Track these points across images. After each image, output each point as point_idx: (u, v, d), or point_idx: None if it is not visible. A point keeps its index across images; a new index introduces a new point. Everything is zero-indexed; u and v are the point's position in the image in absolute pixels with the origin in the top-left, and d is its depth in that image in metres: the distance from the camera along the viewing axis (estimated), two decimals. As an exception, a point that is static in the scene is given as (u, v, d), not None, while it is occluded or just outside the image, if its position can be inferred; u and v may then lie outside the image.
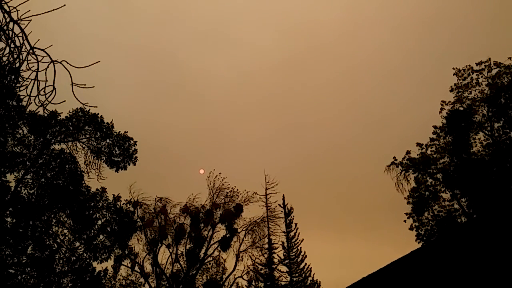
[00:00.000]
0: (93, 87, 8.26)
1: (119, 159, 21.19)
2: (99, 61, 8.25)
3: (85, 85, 8.06)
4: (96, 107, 6.80)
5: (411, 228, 27.23)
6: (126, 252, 32.53)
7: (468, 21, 51.12)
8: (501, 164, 23.86)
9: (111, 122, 21.21)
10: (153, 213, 34.80)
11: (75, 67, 8.86)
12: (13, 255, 18.50)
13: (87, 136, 21.32)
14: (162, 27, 56.78)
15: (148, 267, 34.52)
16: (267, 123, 58.00)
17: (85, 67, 8.12)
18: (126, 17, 54.67)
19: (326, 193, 50.43)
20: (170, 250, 35.06)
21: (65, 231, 19.72)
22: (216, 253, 35.06)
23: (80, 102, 8.85)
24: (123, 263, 33.41)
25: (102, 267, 20.38)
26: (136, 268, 34.22)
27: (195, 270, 34.60)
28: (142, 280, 34.54)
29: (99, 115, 21.17)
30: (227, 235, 34.96)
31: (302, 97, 58.48)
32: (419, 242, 27.05)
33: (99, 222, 19.47)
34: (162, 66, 58.49)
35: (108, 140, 21.26)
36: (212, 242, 34.92)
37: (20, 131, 19.69)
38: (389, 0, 54.84)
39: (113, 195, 20.48)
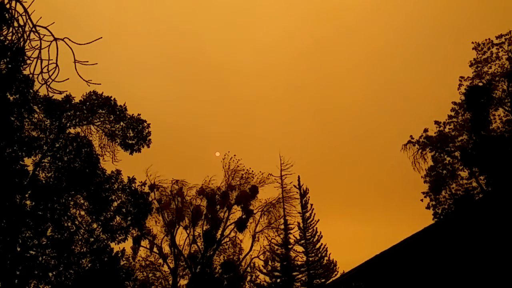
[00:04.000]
0: (96, 64, 8.17)
1: (133, 142, 21.32)
2: (101, 38, 8.12)
3: (87, 62, 7.96)
4: (100, 84, 6.70)
5: (428, 207, 26.93)
6: (144, 233, 33.06)
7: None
8: (521, 141, 23.20)
9: (124, 105, 21.30)
10: (170, 196, 35.22)
11: (77, 43, 8.73)
12: (33, 237, 18.97)
13: (101, 119, 21.47)
14: (188, 13, 56.74)
15: (166, 248, 35.18)
16: (288, 107, 57.97)
17: (87, 43, 8.02)
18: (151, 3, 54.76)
19: (343, 173, 50.24)
20: (188, 231, 35.59)
21: (83, 213, 20.08)
22: (232, 234, 35.46)
23: (83, 79, 8.79)
24: (141, 244, 34.13)
25: (119, 248, 20.75)
26: (155, 249, 34.88)
27: (212, 251, 35.07)
28: (161, 260, 35.25)
29: (112, 98, 21.28)
30: (243, 216, 35.22)
31: (327, 81, 58.00)
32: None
33: (115, 203, 19.76)
34: (186, 52, 58.73)
35: (121, 123, 21.37)
36: (228, 223, 35.28)
37: (36, 116, 19.94)
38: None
39: (128, 177, 20.70)
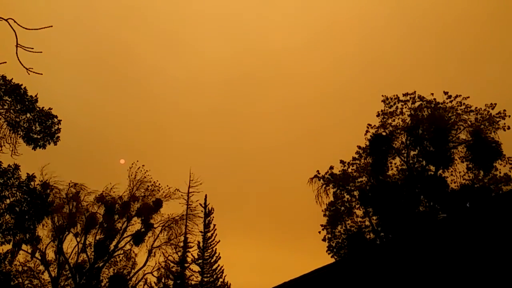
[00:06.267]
0: (41, 52, 7.58)
1: (39, 137, 19.52)
2: (51, 26, 7.59)
3: (32, 48, 7.37)
4: (41, 74, 6.35)
5: (324, 239, 28.54)
6: (28, 236, 30.01)
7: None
8: (411, 189, 25.98)
9: (35, 96, 19.51)
10: (65, 199, 32.61)
11: (24, 27, 8.06)
12: None
13: (5, 107, 19.37)
14: (123, 21, 54.91)
15: (50, 255, 32.27)
16: (207, 127, 58.50)
17: (35, 29, 7.44)
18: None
19: (251, 199, 51.37)
20: (78, 239, 33.14)
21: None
22: (127, 246, 33.79)
23: (24, 66, 8.09)
24: (22, 248, 30.83)
25: (2, 250, 18.58)
26: (37, 254, 31.79)
27: (102, 262, 33.00)
28: (42, 267, 32.18)
29: (22, 86, 19.36)
30: (142, 230, 33.85)
31: (247, 109, 59.86)
32: (329, 253, 28.46)
33: (8, 201, 17.75)
34: (115, 58, 56.50)
35: (28, 115, 19.49)
36: (125, 235, 33.59)
37: None
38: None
39: (27, 174, 18.81)
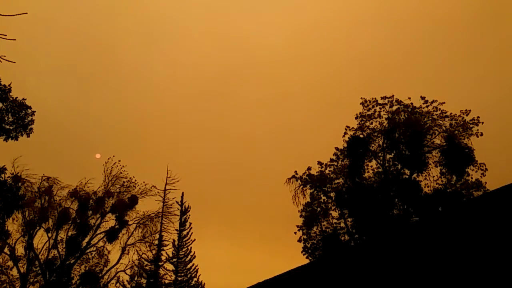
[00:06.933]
0: (15, 40, 7.30)
1: (11, 128, 18.95)
2: (26, 13, 7.31)
3: (5, 35, 7.08)
4: (14, 62, 6.14)
5: (299, 240, 28.67)
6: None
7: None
8: (386, 192, 26.37)
9: (9, 86, 18.91)
10: (37, 193, 31.76)
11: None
12: None
13: (-24, 95, 18.74)
14: (103, 14, 53.92)
15: (20, 250, 31.39)
16: (188, 125, 57.99)
17: (9, 15, 7.16)
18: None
19: (228, 197, 51.17)
20: (49, 234, 32.32)
21: None
22: (101, 243, 33.16)
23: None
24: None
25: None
26: (6, 249, 30.89)
27: (74, 259, 32.29)
28: (10, 263, 31.29)
29: (-6, 75, 18.76)
30: (116, 226, 33.28)
31: (230, 109, 59.72)
32: (304, 254, 28.61)
33: (-25, 193, 17.17)
34: (96, 51, 55.51)
35: (1, 104, 18.89)
36: (98, 231, 32.96)
37: None
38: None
39: (-3, 166, 18.24)
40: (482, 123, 25.44)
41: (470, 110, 25.88)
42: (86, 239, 32.61)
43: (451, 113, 26.14)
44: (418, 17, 53.25)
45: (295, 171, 28.71)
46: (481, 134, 25.29)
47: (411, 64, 54.74)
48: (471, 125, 25.50)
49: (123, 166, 33.78)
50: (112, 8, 54.33)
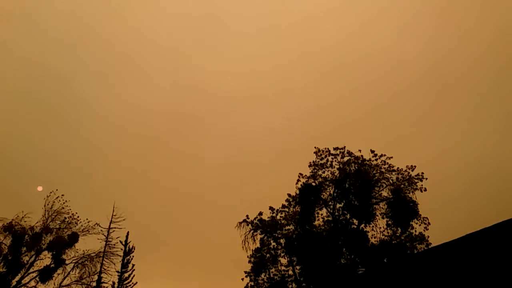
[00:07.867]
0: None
1: None
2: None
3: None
4: None
5: (246, 287, 27.97)
6: None
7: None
8: (335, 241, 26.62)
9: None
10: (-35, 226, 29.27)
11: None
12: None
13: None
14: (65, 51, 53.22)
15: None
16: (134, 163, 56.69)
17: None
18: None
19: (176, 239, 49.52)
20: (-25, 271, 29.53)
21: None
22: (32, 283, 30.55)
23: None
24: None
25: None
26: None
27: (0, 300, 29.52)
28: None
29: None
30: (52, 265, 31.01)
31: (177, 147, 59.23)
32: (251, 303, 27.84)
33: None
34: (49, 81, 53.99)
35: None
36: (31, 270, 30.49)
37: None
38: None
39: None
40: (426, 178, 26.72)
41: (415, 166, 27.19)
42: (17, 278, 30.04)
43: (398, 167, 27.33)
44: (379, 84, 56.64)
45: (247, 215, 28.51)
46: (425, 190, 26.48)
47: (365, 119, 57.42)
48: (416, 180, 26.69)
49: (66, 201, 32.00)
50: (73, 42, 53.76)
